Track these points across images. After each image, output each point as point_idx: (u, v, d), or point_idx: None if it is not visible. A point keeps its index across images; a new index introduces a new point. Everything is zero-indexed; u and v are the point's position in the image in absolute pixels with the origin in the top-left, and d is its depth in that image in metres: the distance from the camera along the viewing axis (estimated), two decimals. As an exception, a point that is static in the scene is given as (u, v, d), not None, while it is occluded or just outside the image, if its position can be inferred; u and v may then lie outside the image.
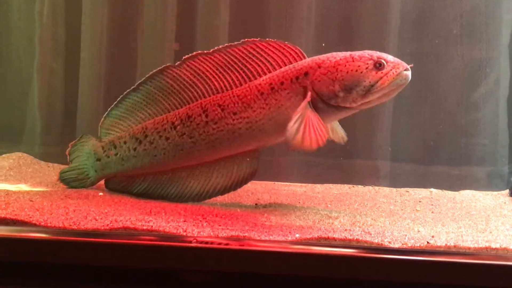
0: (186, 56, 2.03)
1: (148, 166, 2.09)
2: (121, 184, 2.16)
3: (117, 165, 2.14)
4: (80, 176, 2.20)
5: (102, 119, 2.19)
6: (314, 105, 1.85)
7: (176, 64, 2.05)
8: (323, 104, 1.85)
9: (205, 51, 2.01)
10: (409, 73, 1.82)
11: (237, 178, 1.99)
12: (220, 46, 1.99)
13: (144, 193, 2.11)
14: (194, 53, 2.02)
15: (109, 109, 2.18)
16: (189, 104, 2.05)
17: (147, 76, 2.09)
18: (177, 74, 2.04)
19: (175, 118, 2.04)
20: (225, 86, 2.00)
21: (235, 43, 1.98)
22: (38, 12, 2.84)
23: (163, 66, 2.06)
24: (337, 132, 2.12)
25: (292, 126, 1.80)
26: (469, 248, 1.56)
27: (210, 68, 2.01)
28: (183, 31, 2.74)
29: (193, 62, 2.02)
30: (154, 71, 2.08)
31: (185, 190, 2.04)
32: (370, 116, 2.60)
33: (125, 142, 2.13)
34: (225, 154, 2.00)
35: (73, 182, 2.20)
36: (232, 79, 1.99)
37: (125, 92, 2.14)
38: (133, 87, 2.12)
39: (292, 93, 1.87)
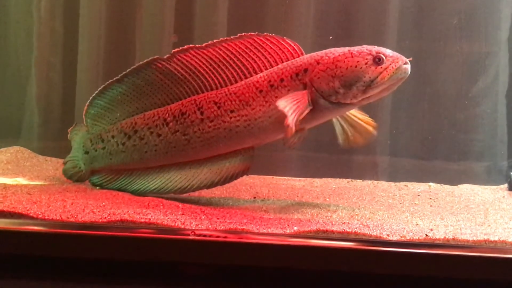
0: (176, 49, 1.96)
1: (138, 162, 2.04)
2: (106, 178, 2.11)
3: (105, 159, 2.09)
4: (75, 170, 2.17)
5: (85, 107, 2.12)
6: (314, 102, 1.83)
7: (165, 57, 1.97)
8: (324, 101, 1.84)
9: (197, 45, 1.94)
10: (408, 66, 1.81)
11: (226, 174, 1.93)
12: (215, 40, 1.93)
13: (126, 187, 2.05)
14: (185, 46, 1.95)
15: (91, 97, 2.10)
16: (181, 100, 1.99)
17: (132, 68, 2.01)
18: (166, 68, 1.97)
19: (167, 114, 1.98)
20: (219, 82, 1.95)
21: (232, 37, 1.92)
22: (36, 6, 2.83)
23: (150, 59, 1.98)
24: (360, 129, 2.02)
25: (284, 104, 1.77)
26: (467, 241, 1.55)
27: (203, 63, 1.94)
28: (182, 25, 2.72)
29: (184, 56, 1.95)
30: (141, 63, 2.00)
31: (168, 184, 1.99)
32: (368, 110, 2.59)
33: (113, 136, 2.08)
34: (221, 152, 1.96)
35: (73, 176, 2.18)
36: (227, 76, 1.94)
37: (108, 82, 2.06)
38: (116, 78, 2.04)
39: (292, 90, 1.85)
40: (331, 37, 2.61)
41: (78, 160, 2.17)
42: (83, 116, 2.13)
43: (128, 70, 2.02)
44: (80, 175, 2.17)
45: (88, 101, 2.11)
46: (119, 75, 2.04)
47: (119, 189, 2.05)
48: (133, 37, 2.78)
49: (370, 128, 2.01)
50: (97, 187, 2.11)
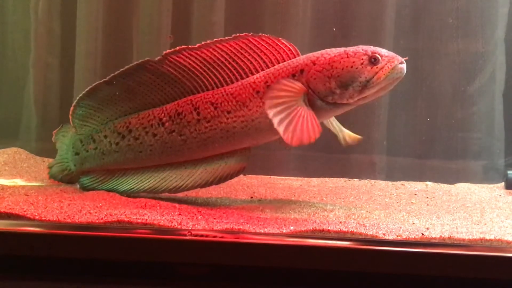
0: (168, 51, 1.93)
1: (132, 162, 2.03)
2: (98, 179, 2.08)
3: (97, 159, 2.07)
4: (64, 172, 2.14)
5: (72, 108, 2.07)
6: (311, 103, 1.83)
7: (157, 59, 1.94)
8: (320, 102, 1.84)
9: (190, 46, 1.92)
10: (404, 66, 1.81)
11: (221, 174, 1.93)
12: (209, 41, 1.92)
13: (119, 187, 2.03)
14: (178, 48, 1.93)
15: (77, 98, 2.06)
16: (176, 100, 1.98)
17: (122, 70, 1.98)
18: (158, 70, 1.95)
19: (163, 114, 1.97)
20: (215, 83, 1.94)
21: (226, 38, 1.91)
22: (33, 7, 2.83)
23: (140, 61, 1.96)
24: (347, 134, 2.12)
25: (274, 117, 1.76)
26: (463, 240, 1.56)
27: (197, 64, 1.93)
28: (179, 25, 2.73)
29: (176, 58, 1.93)
30: (131, 65, 1.97)
31: (162, 183, 1.98)
32: (366, 110, 2.60)
33: (105, 136, 2.05)
34: (217, 152, 1.95)
35: (63, 178, 2.15)
36: (222, 76, 1.93)
37: (96, 83, 2.03)
38: (104, 80, 2.01)
39: None
40: (334, 29, 2.62)
41: (68, 162, 2.14)
42: (70, 117, 2.09)
43: (117, 72, 1.99)
44: (71, 177, 2.14)
45: (75, 101, 2.07)
46: (108, 77, 2.01)
47: (112, 189, 2.03)
48: (130, 38, 2.78)
49: (356, 137, 2.12)
50: (86, 190, 2.06)
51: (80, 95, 2.06)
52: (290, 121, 1.77)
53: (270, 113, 1.77)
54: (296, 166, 2.72)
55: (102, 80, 2.02)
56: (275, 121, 1.76)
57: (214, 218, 1.70)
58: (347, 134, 2.11)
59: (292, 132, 1.76)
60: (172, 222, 1.64)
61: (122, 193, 2.00)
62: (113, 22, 2.80)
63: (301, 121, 1.77)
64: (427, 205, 2.09)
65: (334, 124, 2.11)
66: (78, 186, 2.11)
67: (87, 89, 2.05)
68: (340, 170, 2.69)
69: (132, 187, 2.02)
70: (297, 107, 1.80)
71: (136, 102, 2.03)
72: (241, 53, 1.92)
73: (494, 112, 2.66)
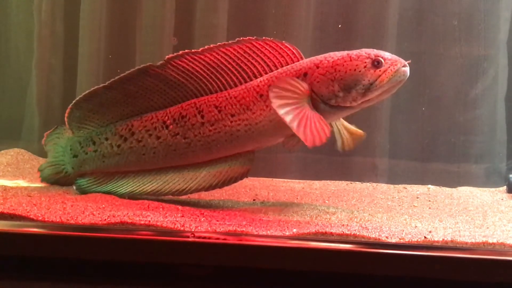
0: (170, 55, 1.93)
1: (134, 164, 2.02)
2: (97, 181, 2.07)
3: (97, 162, 2.05)
4: (60, 175, 2.14)
5: (68, 110, 2.05)
6: (314, 106, 1.83)
7: (159, 64, 1.93)
8: (324, 105, 1.84)
9: (193, 50, 1.92)
10: (407, 69, 1.82)
11: (225, 177, 1.93)
12: (212, 45, 1.92)
13: (120, 189, 2.02)
14: (180, 52, 1.93)
15: (74, 101, 2.04)
16: (179, 103, 1.98)
17: (122, 75, 1.96)
18: (160, 74, 1.94)
19: (166, 117, 1.97)
20: (218, 86, 1.94)
21: (230, 42, 1.91)
22: (37, 8, 2.85)
23: (142, 66, 1.95)
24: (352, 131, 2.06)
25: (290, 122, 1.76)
26: (466, 243, 1.56)
27: (201, 68, 1.93)
28: (182, 27, 2.73)
29: (179, 62, 1.93)
30: (132, 70, 1.95)
31: (165, 186, 1.98)
32: (368, 113, 2.60)
33: (106, 139, 2.04)
34: (220, 155, 1.96)
35: (59, 181, 2.14)
36: (226, 80, 1.93)
37: (95, 87, 2.01)
38: (103, 85, 1.99)
39: None
40: (340, 26, 2.62)
41: (65, 164, 2.13)
42: (66, 119, 2.07)
43: (117, 77, 1.97)
44: (67, 179, 2.13)
45: (71, 104, 2.05)
46: (107, 82, 1.99)
47: (111, 192, 2.01)
48: (133, 39, 2.79)
49: (360, 132, 2.06)
50: (83, 192, 2.04)
51: (78, 98, 2.05)
52: (300, 122, 1.76)
53: (280, 111, 1.76)
54: (298, 169, 2.73)
55: (101, 85, 2.01)
56: (288, 119, 1.75)
57: (217, 220, 1.71)
58: (348, 134, 2.05)
59: (303, 133, 1.75)
60: (175, 224, 1.64)
61: (122, 196, 1.99)
62: (116, 24, 2.81)
63: (309, 122, 1.77)
64: (429, 208, 2.09)
65: (338, 127, 2.07)
66: (74, 188, 2.09)
67: (85, 93, 2.04)
68: (342, 173, 2.70)
69: (133, 189, 2.02)
70: (304, 108, 1.80)
71: (138, 105, 2.02)
72: (245, 57, 1.92)
73: (496, 115, 2.66)
